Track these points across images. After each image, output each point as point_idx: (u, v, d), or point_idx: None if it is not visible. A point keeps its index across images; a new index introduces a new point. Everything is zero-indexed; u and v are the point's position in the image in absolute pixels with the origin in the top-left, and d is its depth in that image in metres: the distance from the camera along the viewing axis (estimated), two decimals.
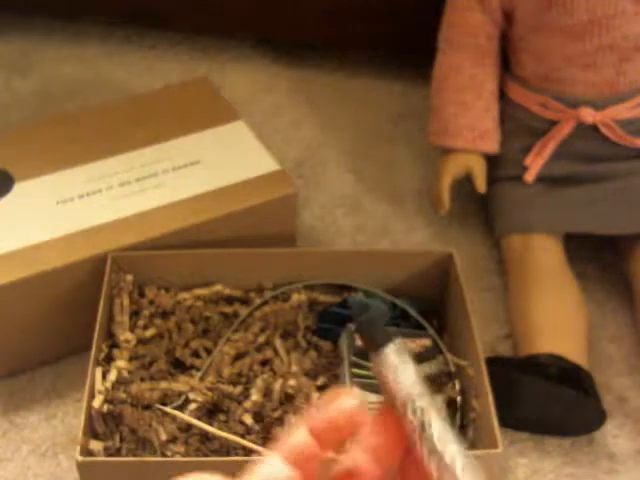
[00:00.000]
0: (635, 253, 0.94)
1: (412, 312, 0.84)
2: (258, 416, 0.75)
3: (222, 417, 0.76)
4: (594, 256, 1.00)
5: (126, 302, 0.82)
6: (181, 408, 0.75)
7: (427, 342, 0.80)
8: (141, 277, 0.84)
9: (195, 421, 0.74)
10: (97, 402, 0.73)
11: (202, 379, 0.78)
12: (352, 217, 1.05)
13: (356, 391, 0.34)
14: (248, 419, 0.75)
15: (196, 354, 0.82)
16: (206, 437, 0.74)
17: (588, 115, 0.94)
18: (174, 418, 0.74)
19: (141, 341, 0.81)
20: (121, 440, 0.73)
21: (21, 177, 0.91)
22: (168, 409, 0.75)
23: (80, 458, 0.67)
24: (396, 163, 1.13)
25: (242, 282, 0.86)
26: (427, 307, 0.86)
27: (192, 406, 0.75)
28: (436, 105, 1.01)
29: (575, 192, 0.95)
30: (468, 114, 0.98)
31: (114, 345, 0.80)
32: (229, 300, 0.86)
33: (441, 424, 0.33)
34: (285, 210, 0.91)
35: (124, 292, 0.83)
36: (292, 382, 0.76)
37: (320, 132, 1.17)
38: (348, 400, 0.34)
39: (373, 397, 0.74)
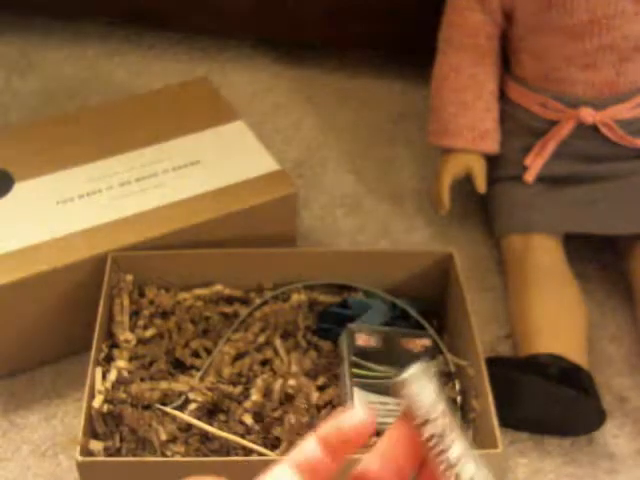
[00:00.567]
0: (635, 253, 0.94)
1: (412, 312, 0.84)
2: (258, 416, 0.75)
3: (222, 417, 0.76)
4: (594, 256, 1.00)
5: (126, 302, 0.82)
6: (181, 408, 0.75)
7: (427, 342, 0.80)
8: (141, 277, 0.84)
9: (195, 421, 0.74)
10: (97, 402, 0.73)
11: (202, 379, 0.78)
12: (352, 217, 1.05)
13: (365, 406, 0.36)
14: (248, 419, 0.75)
15: (196, 354, 0.82)
16: (206, 437, 0.74)
17: (588, 115, 0.94)
18: (174, 418, 0.74)
19: (141, 341, 0.81)
20: (121, 440, 0.73)
21: (21, 177, 0.91)
22: (168, 409, 0.75)
23: (80, 458, 0.67)
24: (396, 163, 1.13)
25: (242, 282, 0.86)
26: (427, 307, 0.86)
27: (192, 406, 0.75)
28: (436, 105, 1.01)
29: (575, 192, 0.95)
30: (468, 114, 0.98)
31: (114, 345, 0.80)
32: (229, 300, 0.86)
33: (461, 442, 0.34)
34: (285, 210, 0.91)
35: (124, 292, 0.83)
36: (292, 382, 0.76)
37: (320, 132, 1.17)
38: (358, 413, 0.35)
39: (373, 397, 0.74)
